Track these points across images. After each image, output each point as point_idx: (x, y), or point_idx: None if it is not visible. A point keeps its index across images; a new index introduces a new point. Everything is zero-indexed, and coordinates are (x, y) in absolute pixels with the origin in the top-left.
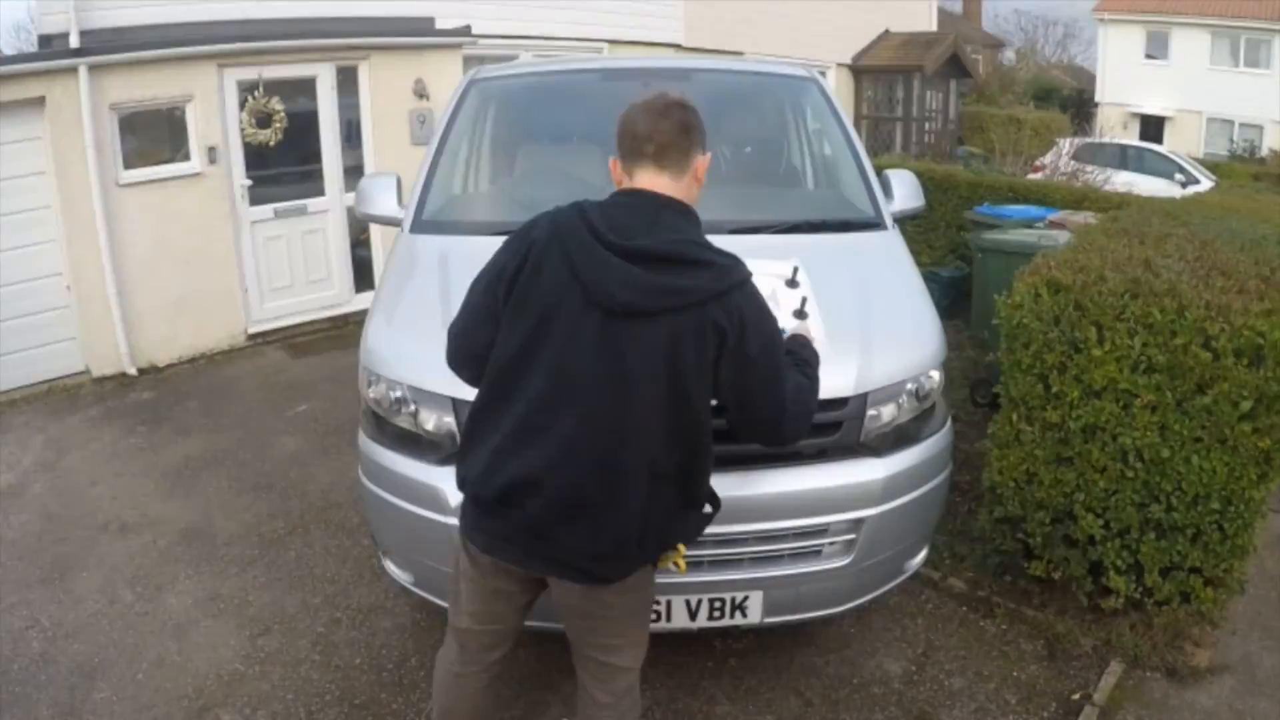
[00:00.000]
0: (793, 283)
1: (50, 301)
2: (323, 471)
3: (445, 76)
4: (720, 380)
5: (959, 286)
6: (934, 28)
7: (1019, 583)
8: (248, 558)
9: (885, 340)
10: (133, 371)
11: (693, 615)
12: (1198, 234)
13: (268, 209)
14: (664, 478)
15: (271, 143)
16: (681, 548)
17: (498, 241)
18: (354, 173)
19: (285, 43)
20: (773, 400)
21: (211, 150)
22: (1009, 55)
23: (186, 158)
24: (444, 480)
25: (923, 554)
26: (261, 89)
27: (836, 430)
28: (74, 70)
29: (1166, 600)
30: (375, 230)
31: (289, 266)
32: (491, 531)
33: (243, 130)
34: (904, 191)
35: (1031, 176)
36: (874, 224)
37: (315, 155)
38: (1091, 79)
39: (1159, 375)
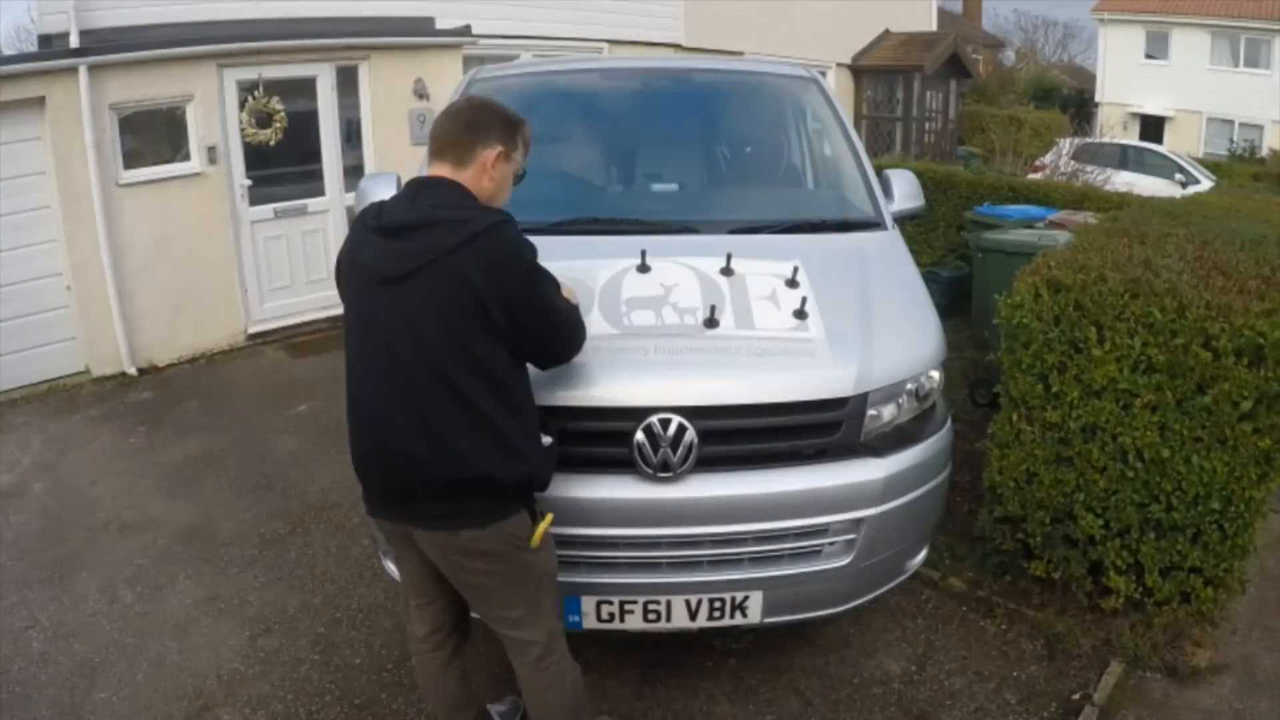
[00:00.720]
0: (793, 283)
1: (50, 301)
2: (323, 471)
3: (445, 76)
4: (494, 319)
5: (959, 286)
6: (934, 28)
7: (1019, 583)
8: (248, 558)
9: (885, 340)
10: (133, 371)
11: (693, 615)
12: (1198, 234)
13: (268, 209)
14: (471, 420)
15: (271, 143)
16: (549, 517)
17: None
18: (354, 173)
19: (285, 43)
20: (549, 329)
21: (211, 150)
22: (1009, 55)
23: (186, 158)
24: None
25: (923, 554)
26: (261, 89)
27: (836, 430)
28: (74, 70)
29: (1166, 600)
30: None
31: (289, 266)
32: (367, 497)
33: (243, 130)
34: (904, 191)
35: (1031, 176)
36: (874, 224)
37: (315, 155)
38: (1091, 79)
39: (1159, 375)
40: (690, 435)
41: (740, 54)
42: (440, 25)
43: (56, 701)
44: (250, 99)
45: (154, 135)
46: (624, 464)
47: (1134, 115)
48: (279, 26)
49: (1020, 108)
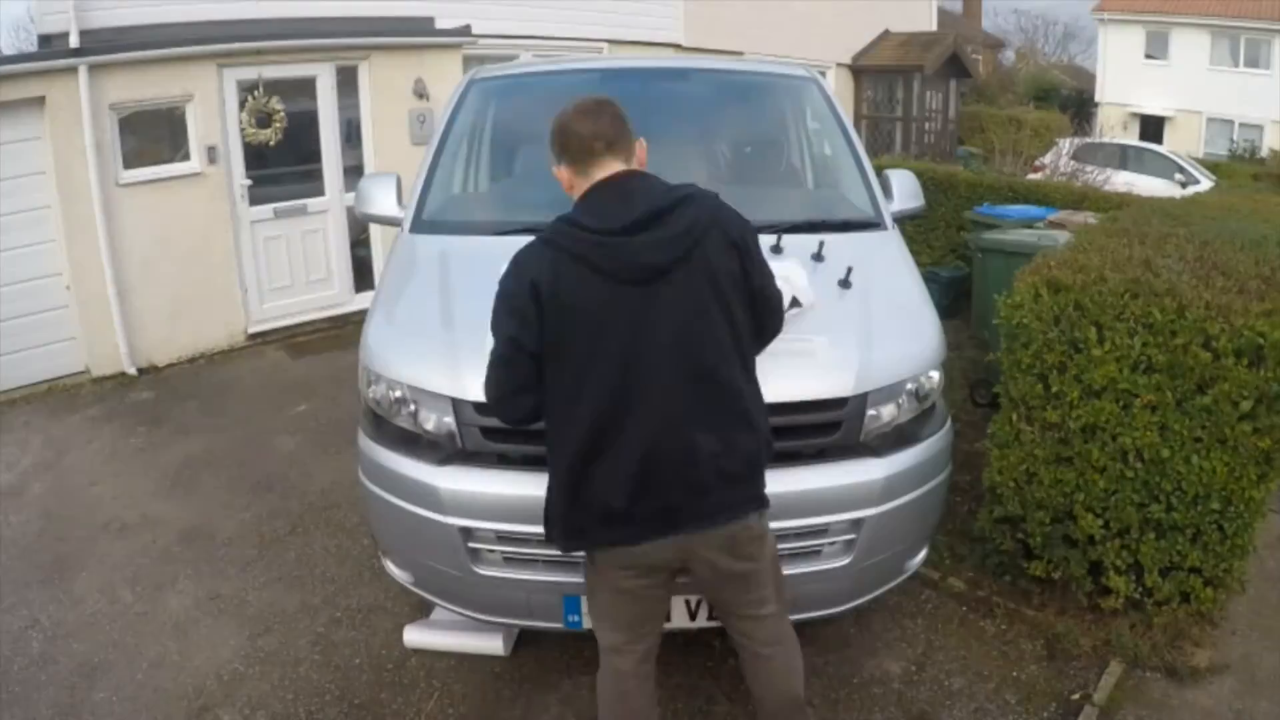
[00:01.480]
0: (792, 283)
1: (50, 301)
2: (322, 471)
3: (445, 76)
4: (751, 283)
5: (959, 286)
6: (934, 28)
7: (1019, 583)
8: (247, 558)
9: (885, 340)
10: (132, 371)
11: (692, 615)
12: (1198, 234)
13: (268, 209)
14: (742, 397)
15: (271, 142)
16: None
17: (498, 241)
18: (354, 173)
19: (285, 43)
20: (774, 290)
21: (211, 150)
22: (1009, 55)
23: (186, 157)
24: (443, 480)
25: (923, 554)
26: (261, 89)
27: (836, 430)
28: (74, 70)
29: (1166, 600)
30: (375, 230)
31: (289, 266)
32: (627, 526)
33: (243, 130)
34: (904, 191)
35: (1031, 176)
36: (874, 224)
37: (315, 155)
38: (1091, 79)
39: (1159, 375)
40: None
41: (740, 54)
42: (440, 25)
43: (56, 701)
44: (250, 99)
45: (154, 135)
46: None
47: (1134, 115)
48: (279, 26)
49: (1020, 108)
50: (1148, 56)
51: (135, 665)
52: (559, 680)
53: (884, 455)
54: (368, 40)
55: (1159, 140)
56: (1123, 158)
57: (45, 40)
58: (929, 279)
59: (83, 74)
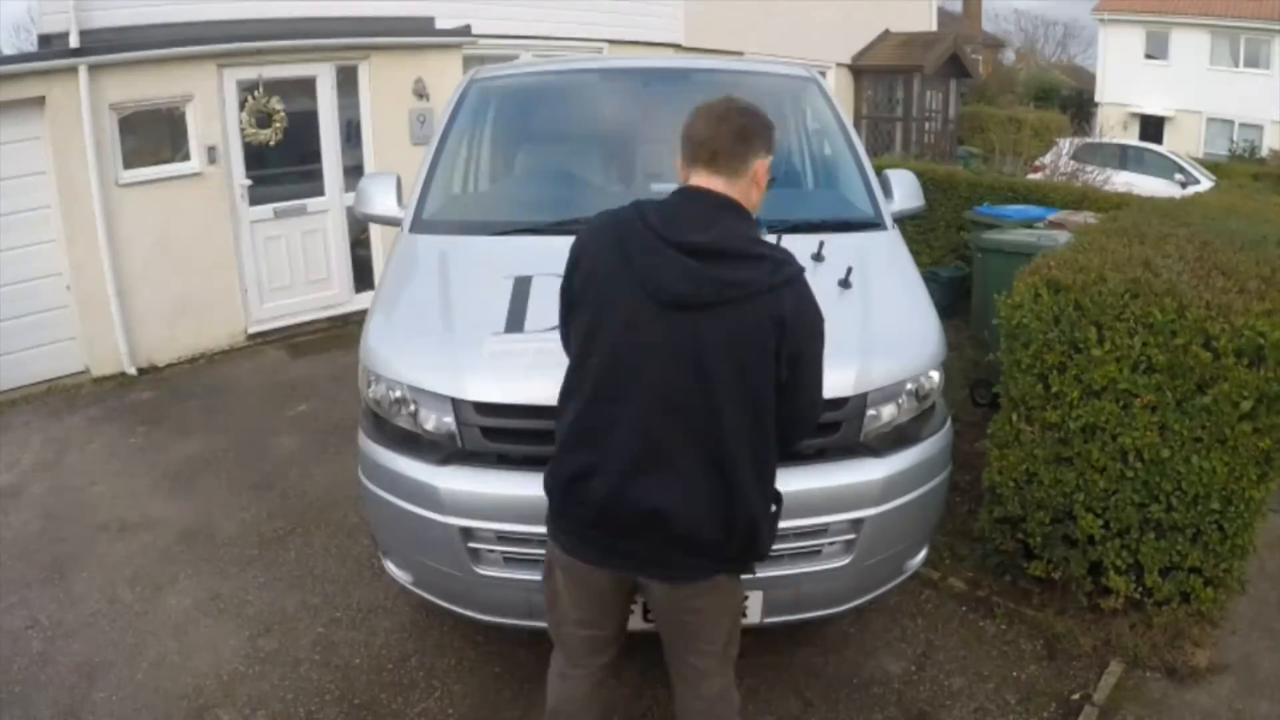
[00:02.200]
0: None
1: (50, 301)
2: (322, 471)
3: (445, 76)
4: (780, 371)
5: (959, 286)
6: (934, 28)
7: (1019, 583)
8: (247, 558)
9: (885, 340)
10: (132, 371)
11: None
12: (1198, 234)
13: (268, 209)
14: (736, 467)
15: (271, 142)
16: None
17: (498, 241)
18: (354, 173)
19: (285, 43)
20: (813, 396)
21: (211, 150)
22: (1009, 55)
23: (186, 157)
24: (443, 480)
25: (922, 554)
26: (261, 89)
27: (836, 430)
28: (74, 70)
29: (1166, 600)
30: (375, 230)
31: (289, 266)
32: (568, 530)
33: (243, 130)
34: (904, 191)
35: (1031, 176)
36: (874, 224)
37: (315, 155)
38: (1091, 79)
39: (1159, 375)
40: None
41: (740, 54)
42: (440, 25)
43: (56, 701)
44: (250, 99)
45: (154, 135)
46: None
47: (1134, 115)
48: (279, 26)
49: (1020, 108)
50: (1147, 56)
51: (135, 665)
52: None
53: (884, 455)
54: (368, 40)
55: (1159, 140)
56: (1122, 158)
57: (45, 40)
58: (929, 279)
59: (83, 74)
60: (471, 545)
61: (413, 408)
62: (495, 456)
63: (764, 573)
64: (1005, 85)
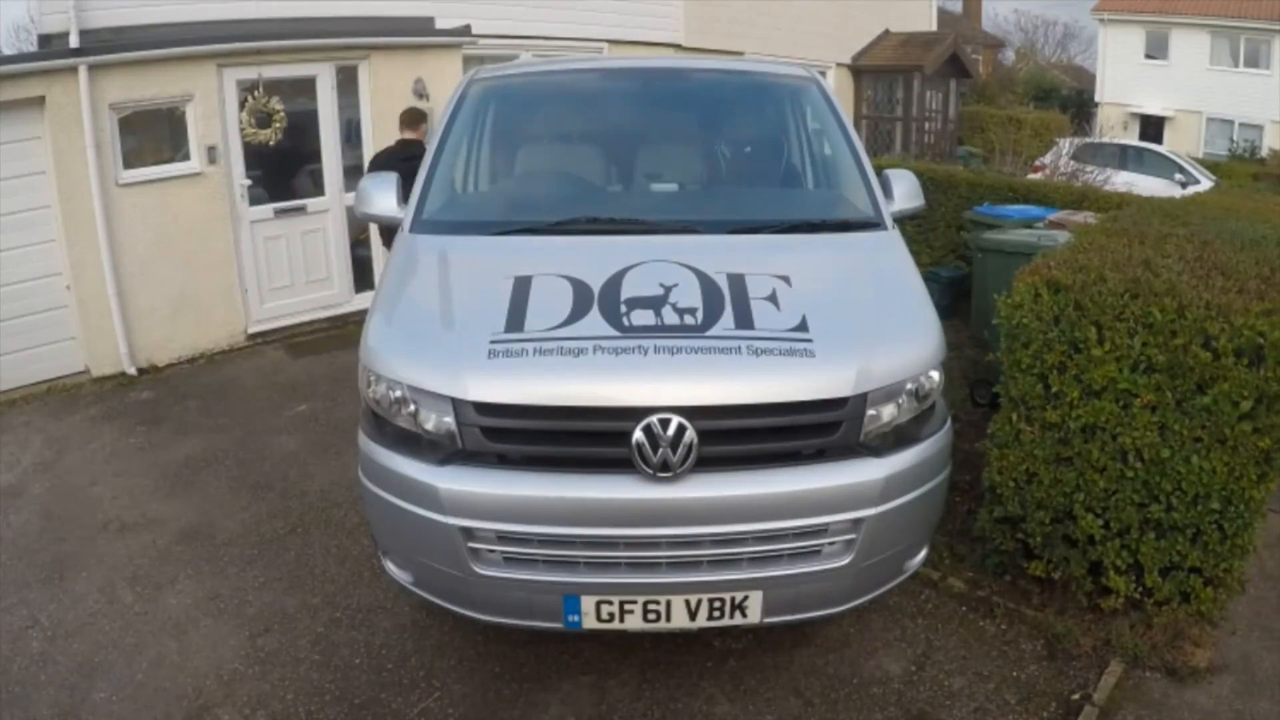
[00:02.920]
0: (792, 283)
1: (50, 301)
2: (322, 471)
3: (445, 76)
4: None
5: (959, 286)
6: (934, 28)
7: (1019, 582)
8: (247, 557)
9: (885, 340)
10: (132, 371)
11: (692, 615)
12: (1198, 234)
13: (268, 209)
14: None
15: (271, 142)
16: None
17: (498, 241)
18: (354, 173)
19: (285, 42)
20: None
21: (211, 150)
22: (1009, 55)
23: (186, 157)
24: (443, 480)
25: (922, 554)
26: (261, 89)
27: (836, 430)
28: (74, 70)
29: (1166, 600)
30: (375, 230)
31: (289, 266)
32: None
33: (242, 130)
34: (904, 191)
35: (1031, 176)
36: (874, 224)
37: (315, 155)
38: (1091, 79)
39: (1159, 375)
40: (690, 435)
41: (740, 54)
42: (440, 25)
43: (56, 701)
44: (250, 99)
45: (154, 135)
46: (623, 464)
47: (1134, 115)
48: (279, 26)
49: (1020, 108)
50: (1147, 56)
51: (135, 665)
52: (559, 680)
53: (884, 455)
54: (368, 40)
55: (1159, 140)
56: (1122, 158)
57: (45, 40)
58: (929, 279)
59: (83, 74)
60: (471, 545)
61: (413, 408)
62: (495, 456)
63: (764, 573)
64: (1005, 85)
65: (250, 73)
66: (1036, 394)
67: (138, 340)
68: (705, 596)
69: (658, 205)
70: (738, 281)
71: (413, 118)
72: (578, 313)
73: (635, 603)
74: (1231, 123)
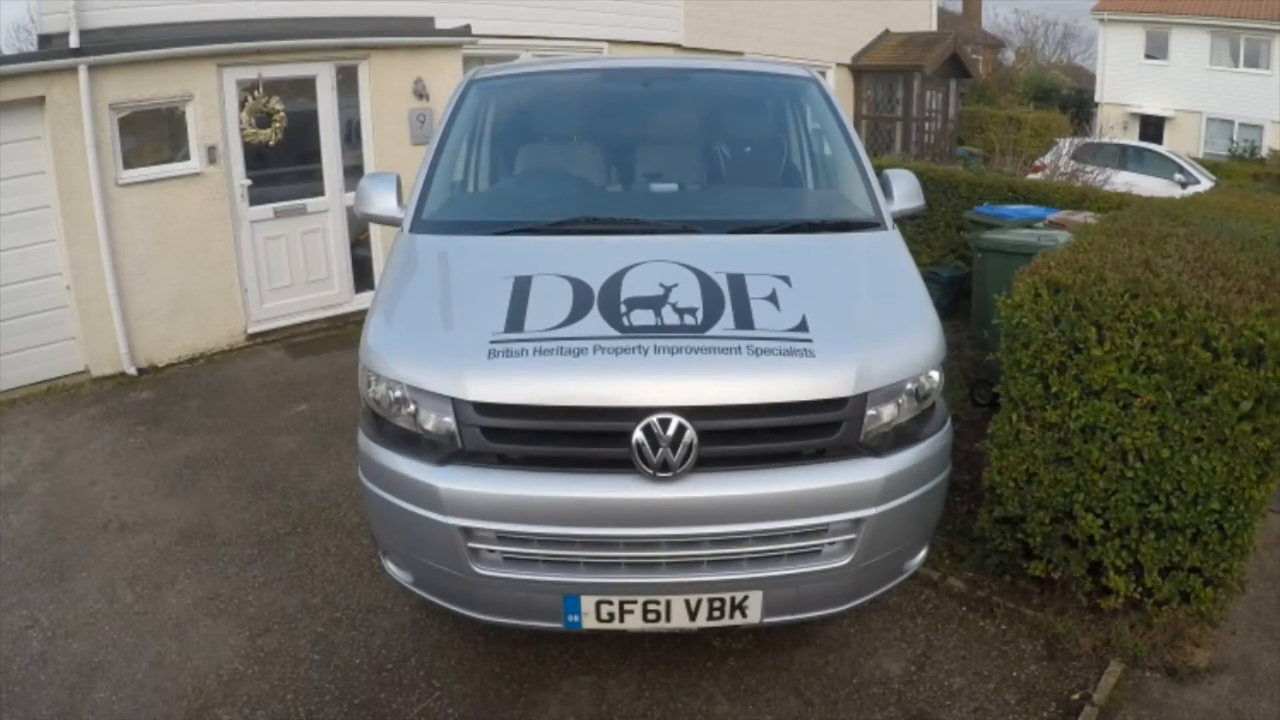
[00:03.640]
0: (792, 283)
1: (50, 301)
2: (322, 471)
3: (445, 76)
4: None
5: (958, 286)
6: (934, 28)
7: (1018, 583)
8: (247, 557)
9: (885, 341)
10: (132, 371)
11: (692, 615)
12: (1198, 234)
13: (267, 209)
14: None
15: (271, 142)
16: None
17: (498, 241)
18: (354, 173)
19: (285, 42)
20: None
21: (211, 150)
22: (1009, 55)
23: (186, 157)
24: (443, 480)
25: (922, 554)
26: (261, 89)
27: (836, 430)
28: (74, 70)
29: (1166, 600)
30: (375, 230)
31: (289, 266)
32: None
33: (242, 130)
34: (904, 191)
35: (1031, 176)
36: (874, 224)
37: (315, 155)
38: (1091, 79)
39: (1159, 375)
40: (690, 435)
41: (740, 54)
42: (440, 25)
43: (56, 701)
44: (250, 99)
45: (153, 135)
46: (623, 464)
47: (1134, 115)
48: (279, 26)
49: (1020, 108)
50: (1147, 56)
51: (135, 665)
52: (559, 680)
53: (884, 455)
54: (368, 40)
55: (1159, 140)
56: (1122, 158)
57: (45, 40)
58: (929, 279)
59: (83, 74)
60: (471, 545)
61: (413, 408)
62: (495, 456)
63: (764, 573)
64: (1005, 85)
65: (250, 73)
66: (1036, 394)
67: (138, 340)
68: (705, 596)
69: (657, 205)
70: (738, 281)
71: None
72: (578, 313)
73: (635, 603)
74: (1231, 123)
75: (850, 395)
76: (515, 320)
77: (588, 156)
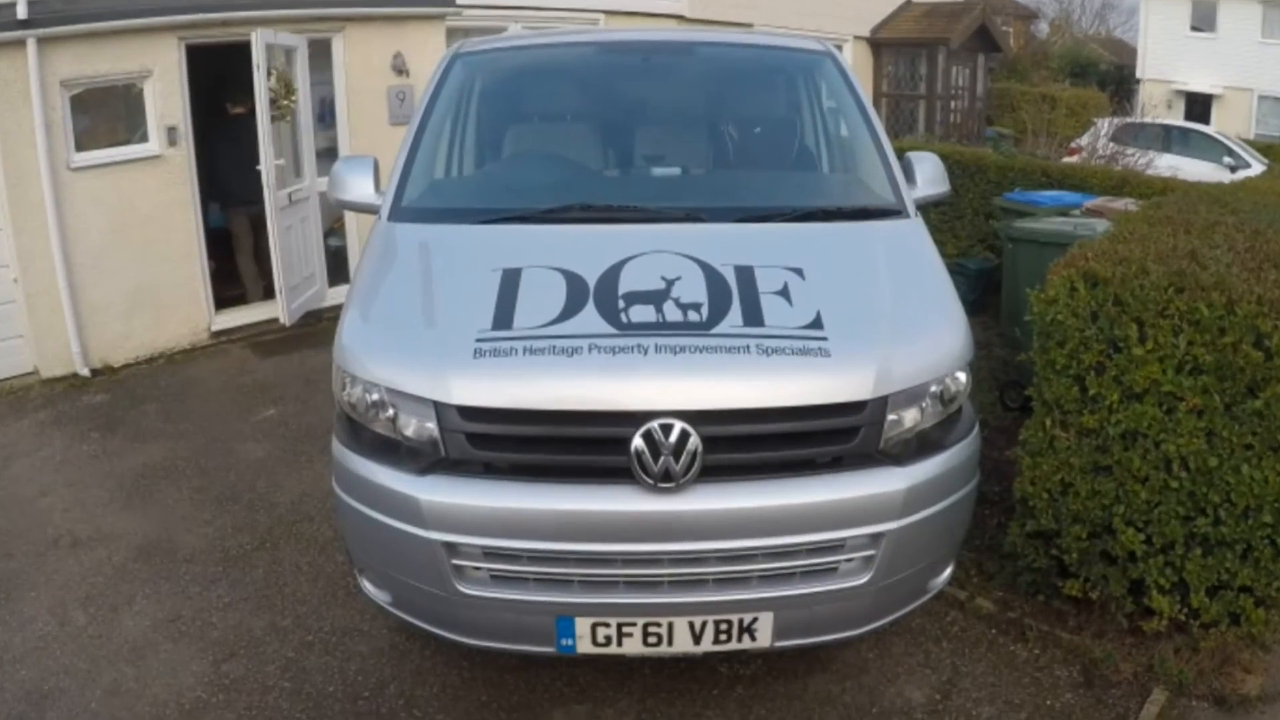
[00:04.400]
0: (805, 276)
1: None
2: (292, 481)
3: (427, 50)
4: None
5: (988, 279)
6: None
7: (1053, 603)
8: (211, 575)
9: (907, 339)
10: (85, 372)
11: (697, 638)
12: (1248, 222)
13: None
14: None
15: (287, 118)
16: None
17: (485, 230)
18: (327, 155)
19: (253, 13)
20: None
21: (172, 131)
22: (1042, 27)
23: (144, 139)
24: (424, 491)
25: (948, 572)
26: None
27: (853, 437)
28: (21, 43)
29: (1214, 622)
30: (351, 218)
31: None
32: None
33: (274, 99)
34: (927, 176)
35: (1066, 160)
36: (895, 211)
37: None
38: (1132, 53)
39: (1206, 377)
40: (694, 442)
41: (749, 26)
42: None
43: None
44: (275, 70)
45: (109, 114)
46: (622, 473)
47: (1178, 93)
48: None
49: (1054, 85)
50: (1193, 29)
51: (88, 693)
52: (550, 710)
53: (906, 464)
54: (343, 10)
55: (1206, 120)
56: (1166, 139)
57: None
58: (955, 271)
59: (31, 48)
60: (455, 562)
61: (391, 412)
62: (482, 465)
63: (775, 592)
64: (1038, 60)
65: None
66: (1072, 397)
67: (91, 338)
68: (711, 618)
69: (659, 191)
70: (746, 274)
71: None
72: (572, 308)
73: (634, 625)
74: None
75: (869, 398)
76: (503, 317)
77: (583, 138)
